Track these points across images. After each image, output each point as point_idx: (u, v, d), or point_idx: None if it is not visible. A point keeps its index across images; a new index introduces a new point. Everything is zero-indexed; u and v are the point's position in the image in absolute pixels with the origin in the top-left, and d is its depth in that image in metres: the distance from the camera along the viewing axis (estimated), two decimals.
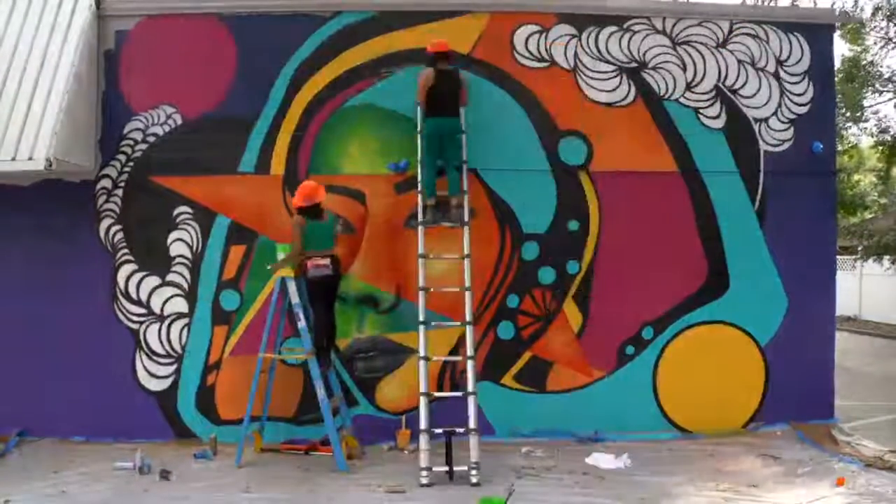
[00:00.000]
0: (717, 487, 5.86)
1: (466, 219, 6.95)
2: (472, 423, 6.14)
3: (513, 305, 7.45)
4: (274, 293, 6.79)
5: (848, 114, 15.51)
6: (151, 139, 7.33)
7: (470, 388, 6.34)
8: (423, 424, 6.14)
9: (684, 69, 7.62)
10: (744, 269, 7.60)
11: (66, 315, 7.17)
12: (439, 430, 6.14)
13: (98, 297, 7.26)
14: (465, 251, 6.85)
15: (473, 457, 5.97)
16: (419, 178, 7.02)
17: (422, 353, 6.46)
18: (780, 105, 7.71)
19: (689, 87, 7.63)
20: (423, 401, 6.25)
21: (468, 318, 6.63)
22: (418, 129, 7.09)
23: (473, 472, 5.92)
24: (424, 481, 5.89)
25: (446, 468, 6.01)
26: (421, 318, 6.59)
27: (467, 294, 6.71)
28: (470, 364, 6.46)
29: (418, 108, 7.06)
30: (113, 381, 7.19)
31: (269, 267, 6.86)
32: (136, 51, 7.35)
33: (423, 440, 6.05)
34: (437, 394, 6.67)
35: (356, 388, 7.34)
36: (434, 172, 6.98)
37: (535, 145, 7.47)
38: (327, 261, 6.68)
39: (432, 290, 6.75)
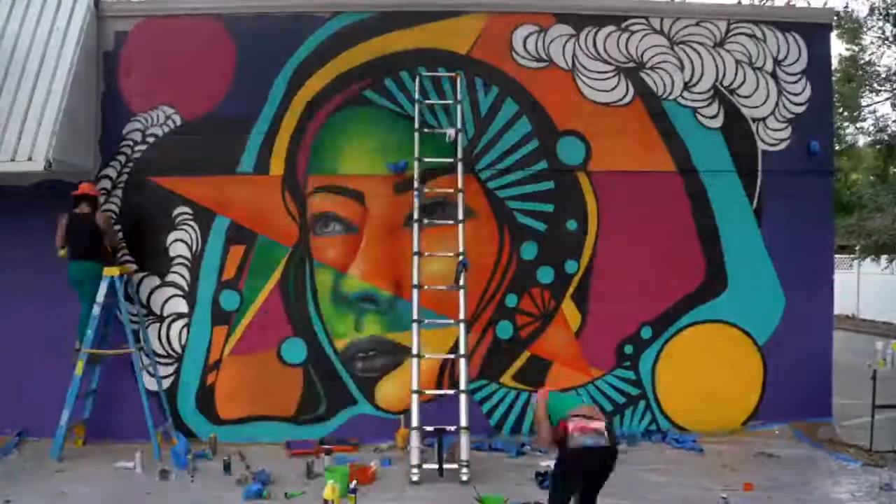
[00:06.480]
0: (716, 486, 5.86)
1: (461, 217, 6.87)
2: (462, 422, 6.15)
3: (511, 305, 7.47)
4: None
5: (846, 113, 15.56)
6: (151, 140, 7.34)
7: (462, 386, 6.34)
8: (413, 422, 6.18)
9: (682, 69, 7.64)
10: (742, 268, 7.62)
11: (65, 315, 7.16)
12: (430, 428, 6.18)
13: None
14: (461, 248, 6.82)
15: (464, 455, 6.01)
16: None
17: (414, 351, 6.45)
18: (777, 104, 7.74)
19: (686, 86, 7.64)
20: (414, 398, 6.27)
21: (461, 316, 6.62)
22: None
23: (464, 469, 5.96)
24: (414, 479, 5.94)
25: (436, 465, 6.05)
26: (415, 316, 6.56)
27: (461, 292, 6.69)
28: (463, 363, 6.44)
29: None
30: (112, 381, 7.19)
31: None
32: (135, 51, 7.36)
33: (415, 438, 6.10)
34: (428, 391, 6.63)
35: (355, 387, 7.35)
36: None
37: (534, 145, 7.50)
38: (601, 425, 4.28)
39: (426, 287, 6.74)
